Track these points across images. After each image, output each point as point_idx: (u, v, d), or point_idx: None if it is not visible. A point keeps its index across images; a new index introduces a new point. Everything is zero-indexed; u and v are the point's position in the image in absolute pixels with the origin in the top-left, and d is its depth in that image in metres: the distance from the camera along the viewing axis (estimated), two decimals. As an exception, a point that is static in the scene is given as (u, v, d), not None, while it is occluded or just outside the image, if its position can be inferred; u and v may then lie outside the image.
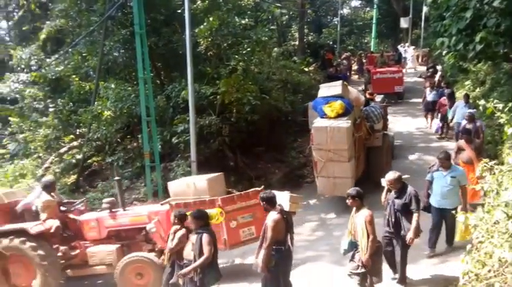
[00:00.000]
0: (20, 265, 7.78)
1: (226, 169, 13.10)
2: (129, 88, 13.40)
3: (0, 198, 8.37)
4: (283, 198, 6.37)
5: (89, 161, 14.85)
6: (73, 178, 14.04)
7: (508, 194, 4.34)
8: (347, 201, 6.18)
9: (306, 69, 23.00)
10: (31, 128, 15.38)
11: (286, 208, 6.19)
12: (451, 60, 12.64)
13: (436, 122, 14.76)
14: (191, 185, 8.44)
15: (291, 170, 13.93)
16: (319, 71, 25.52)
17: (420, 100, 16.88)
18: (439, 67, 20.34)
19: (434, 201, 7.61)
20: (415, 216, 6.44)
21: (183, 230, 6.34)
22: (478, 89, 15.53)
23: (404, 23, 29.22)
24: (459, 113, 12.19)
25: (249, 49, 14.14)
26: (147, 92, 11.64)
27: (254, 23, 16.26)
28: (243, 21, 14.29)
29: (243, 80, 13.16)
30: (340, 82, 11.19)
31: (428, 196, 7.69)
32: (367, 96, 13.67)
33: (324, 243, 9.13)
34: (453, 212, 6.63)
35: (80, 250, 8.17)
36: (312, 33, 29.94)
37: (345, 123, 9.82)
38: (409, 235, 6.38)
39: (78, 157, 14.60)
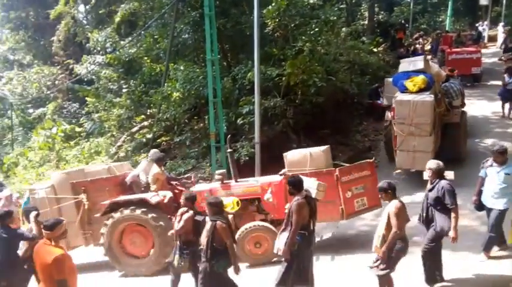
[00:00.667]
0: (137, 235, 8.37)
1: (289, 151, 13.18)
2: (197, 70, 13.73)
3: (112, 170, 9.23)
4: (311, 184, 6.28)
5: (158, 140, 15.47)
6: (143, 156, 14.72)
7: None
8: (379, 196, 5.85)
9: (375, 49, 22.20)
10: (106, 108, 16.28)
11: (313, 194, 6.11)
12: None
13: None
14: (307, 156, 8.43)
15: (356, 154, 13.61)
16: (389, 52, 24.57)
17: (499, 83, 15.74)
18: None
19: (486, 200, 6.91)
20: (453, 213, 5.86)
21: (190, 213, 6.30)
22: None
23: (483, -1, 27.23)
24: None
25: (316, 29, 13.90)
26: (214, 74, 11.89)
27: (322, 2, 15.93)
28: (311, 1, 14.05)
29: (309, 62, 13.02)
30: (421, 57, 11.85)
31: (480, 193, 7.00)
32: (447, 72, 13.66)
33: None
34: None
35: None
36: (382, 12, 28.71)
37: (428, 97, 9.99)
38: (451, 234, 5.88)
39: (149, 136, 15.27)
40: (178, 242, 6.39)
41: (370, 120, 16.00)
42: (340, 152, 13.68)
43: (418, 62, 11.13)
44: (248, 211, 8.32)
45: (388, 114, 11.54)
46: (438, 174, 6.08)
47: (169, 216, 8.03)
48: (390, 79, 11.98)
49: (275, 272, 5.95)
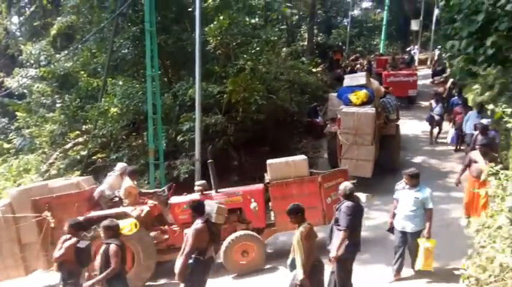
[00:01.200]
0: None
1: (230, 168, 13.16)
2: (137, 85, 13.45)
3: (80, 185, 8.53)
4: (211, 208, 6.20)
5: (94, 157, 14.90)
6: (77, 174, 14.09)
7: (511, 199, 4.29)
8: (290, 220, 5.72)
9: (314, 70, 22.94)
10: (37, 123, 15.51)
11: (213, 219, 6.07)
12: (460, 64, 12.51)
13: (452, 132, 13.35)
14: (291, 164, 8.64)
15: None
16: (327, 72, 25.45)
17: (427, 103, 16.68)
18: (448, 71, 20.15)
19: (397, 222, 7.02)
20: (340, 234, 5.95)
21: (73, 240, 6.01)
22: (486, 93, 15.33)
23: (414, 25, 28.99)
24: (471, 124, 11.52)
25: (257, 49, 14.13)
26: (154, 90, 11.69)
27: (264, 23, 16.27)
28: (253, 21, 14.32)
29: (250, 80, 13.16)
30: (364, 73, 13.15)
31: (395, 215, 7.10)
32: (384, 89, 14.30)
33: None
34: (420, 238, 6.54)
35: (171, 234, 8.38)
36: (321, 34, 29.87)
37: (370, 110, 10.98)
38: (331, 254, 5.97)
39: (83, 153, 14.68)
40: (61, 273, 6.08)
41: (309, 138, 16.39)
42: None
43: (360, 78, 12.11)
44: (230, 221, 8.25)
45: (331, 127, 12.28)
46: (345, 196, 6.17)
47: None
48: (334, 94, 13.01)
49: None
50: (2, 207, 8.10)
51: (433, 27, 28.74)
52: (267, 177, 8.69)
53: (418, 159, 13.46)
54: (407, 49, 28.12)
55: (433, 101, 14.41)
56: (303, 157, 9.19)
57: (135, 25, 13.82)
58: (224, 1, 13.92)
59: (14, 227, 8.02)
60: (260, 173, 13.15)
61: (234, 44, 13.81)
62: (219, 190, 8.55)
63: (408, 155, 13.76)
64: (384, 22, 29.91)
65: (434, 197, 9.11)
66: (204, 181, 8.81)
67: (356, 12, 38.98)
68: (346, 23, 31.74)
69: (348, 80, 12.22)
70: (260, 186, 8.69)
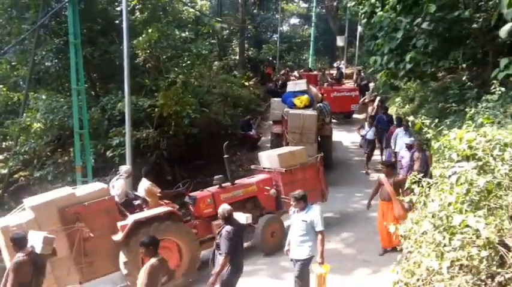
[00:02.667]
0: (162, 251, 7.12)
1: (163, 183, 12.81)
2: (62, 99, 12.84)
3: (104, 191, 7.89)
4: (37, 239, 5.71)
5: (15, 175, 13.97)
6: (-5, 194, 13.15)
7: (434, 205, 4.52)
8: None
9: (246, 83, 23.21)
10: (-49, 140, 14.29)
11: (38, 249, 5.59)
12: (383, 78, 13.22)
13: (388, 151, 12.40)
14: (295, 153, 9.97)
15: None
16: (259, 86, 25.84)
17: (357, 116, 17.39)
18: (371, 84, 21.13)
19: (291, 249, 6.45)
20: (221, 259, 5.90)
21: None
22: (407, 106, 16.35)
23: (340, 41, 30.32)
24: (399, 142, 11.27)
25: (188, 62, 14.06)
26: (80, 104, 11.19)
27: (194, 36, 16.21)
28: (183, 34, 14.20)
29: (182, 93, 13.03)
30: (304, 80, 14.87)
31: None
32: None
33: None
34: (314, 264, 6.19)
35: (198, 228, 8.66)
36: (252, 49, 30.29)
37: (313, 112, 12.70)
38: (209, 281, 5.94)
39: (3, 171, 13.72)
40: None
41: (243, 151, 16.47)
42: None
43: (302, 84, 14.03)
44: (246, 209, 8.85)
45: (274, 129, 14.12)
46: (224, 219, 6.09)
47: None
48: (275, 99, 14.92)
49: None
50: (26, 223, 6.98)
51: (357, 43, 30.22)
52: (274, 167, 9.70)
53: (345, 169, 13.96)
54: (335, 64, 29.22)
55: (366, 124, 13.54)
56: (300, 147, 10.63)
57: (58, 37, 13.24)
58: (153, 14, 13.74)
59: None
60: (194, 187, 13.08)
61: (164, 57, 13.62)
62: (235, 182, 9.33)
63: (337, 167, 14.21)
64: (312, 38, 31.09)
65: (363, 205, 9.57)
66: (221, 175, 9.23)
67: (285, 28, 40.09)
68: (276, 38, 32.44)
69: (291, 86, 14.16)
70: (268, 176, 9.65)
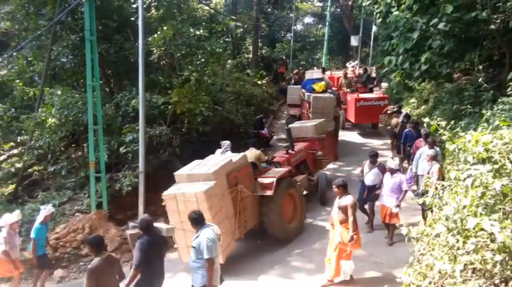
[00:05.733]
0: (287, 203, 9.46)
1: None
2: (77, 95, 12.92)
3: (246, 158, 9.40)
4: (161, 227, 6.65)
5: (30, 170, 14.15)
6: (11, 187, 13.31)
7: (449, 208, 4.47)
8: None
9: (259, 82, 23.20)
10: (-31, 133, 14.53)
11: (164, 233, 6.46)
12: (397, 78, 13.12)
13: (410, 174, 10.23)
14: (322, 123, 13.05)
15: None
16: (272, 85, 25.82)
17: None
18: (384, 84, 20.66)
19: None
20: (131, 272, 5.79)
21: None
22: (422, 107, 16.18)
23: (354, 41, 30.12)
24: (422, 165, 9.54)
25: (202, 60, 14.07)
26: (95, 100, 11.28)
27: (209, 34, 16.26)
28: (198, 32, 14.22)
29: (195, 91, 13.07)
30: (320, 70, 18.77)
31: None
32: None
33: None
34: None
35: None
36: (265, 47, 30.25)
37: (331, 95, 15.47)
38: None
39: (18, 165, 13.91)
40: None
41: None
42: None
43: (318, 73, 17.34)
44: (301, 170, 11.21)
45: (291, 111, 17.54)
46: (143, 229, 5.98)
47: None
48: (292, 86, 19.16)
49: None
50: (211, 187, 7.86)
51: (371, 43, 30.01)
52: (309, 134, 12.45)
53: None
54: (348, 64, 28.91)
55: (366, 164, 9.67)
56: (323, 119, 13.59)
57: (74, 33, 13.34)
58: (168, 12, 13.78)
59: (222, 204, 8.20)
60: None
61: (178, 55, 13.65)
62: (293, 149, 11.32)
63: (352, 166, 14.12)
64: (326, 37, 30.93)
65: (376, 207, 9.52)
66: (287, 144, 11.50)
67: (299, 27, 39.96)
68: (289, 37, 32.35)
69: (309, 75, 17.22)
70: (308, 143, 12.13)
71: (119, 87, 14.41)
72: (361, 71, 21.99)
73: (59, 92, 13.01)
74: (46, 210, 8.57)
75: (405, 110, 15.00)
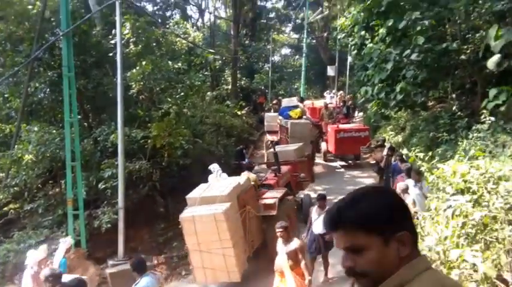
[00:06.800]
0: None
1: (156, 216, 12.72)
2: (54, 131, 12.74)
3: (250, 181, 9.90)
4: None
5: (5, 208, 13.71)
6: (-15, 227, 12.87)
7: (430, 239, 4.51)
8: None
9: (239, 113, 23.34)
10: None
11: None
12: (374, 108, 13.38)
13: None
14: (301, 147, 13.95)
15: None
16: (252, 115, 25.99)
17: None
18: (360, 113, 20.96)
19: None
20: None
21: None
22: (399, 136, 16.46)
23: (331, 71, 30.72)
24: (411, 197, 8.19)
25: (182, 94, 14.11)
26: (73, 136, 11.14)
27: (187, 67, 16.37)
28: (176, 66, 14.32)
29: (175, 124, 13.03)
30: (295, 98, 20.76)
31: None
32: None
33: None
34: None
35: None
36: (244, 78, 30.60)
37: (307, 121, 16.81)
38: None
39: (-7, 204, 13.46)
40: None
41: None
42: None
43: (293, 101, 19.09)
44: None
45: (269, 137, 17.87)
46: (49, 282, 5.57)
47: None
48: (269, 113, 20.55)
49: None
50: (227, 209, 8.13)
51: (347, 73, 30.67)
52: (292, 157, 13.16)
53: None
54: (326, 94, 29.36)
55: (313, 209, 8.94)
56: (301, 143, 14.36)
57: (52, 69, 13.25)
58: (147, 47, 13.84)
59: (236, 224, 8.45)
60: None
61: (157, 89, 13.68)
62: (280, 172, 11.80)
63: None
64: (303, 68, 31.53)
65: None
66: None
67: (276, 58, 40.70)
68: (267, 68, 32.88)
69: (286, 102, 18.97)
70: (287, 167, 12.36)
71: (98, 122, 14.27)
72: (344, 99, 22.68)
73: (36, 129, 12.79)
74: (67, 243, 8.24)
75: (389, 143, 14.11)
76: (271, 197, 9.80)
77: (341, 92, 26.87)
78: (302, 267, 6.56)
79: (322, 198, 8.61)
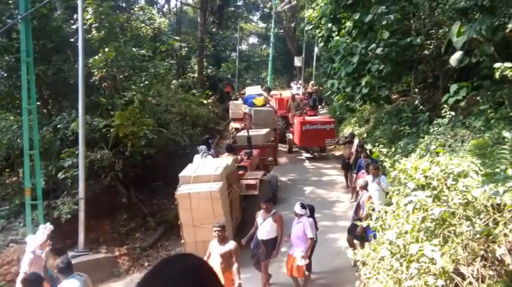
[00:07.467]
0: None
1: (118, 206, 12.49)
2: (11, 118, 12.22)
3: (235, 161, 11.05)
4: None
5: (-41, 198, 13.13)
6: None
7: (391, 233, 4.59)
8: None
9: (205, 102, 23.11)
10: None
11: None
12: (340, 100, 13.51)
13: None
14: (269, 132, 15.35)
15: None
16: (218, 104, 25.81)
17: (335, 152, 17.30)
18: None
19: None
20: None
21: None
22: (363, 127, 16.74)
23: (297, 61, 30.91)
24: (369, 193, 8.53)
25: (146, 81, 13.77)
26: (31, 123, 10.71)
27: (152, 54, 16.00)
28: (141, 53, 13.96)
29: (139, 113, 12.73)
30: (259, 86, 21.38)
31: None
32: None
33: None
34: None
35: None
36: (211, 67, 30.30)
37: (270, 108, 17.68)
38: None
39: None
40: None
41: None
42: (173, 203, 13.46)
43: (257, 89, 19.69)
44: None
45: (234, 124, 18.52)
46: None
47: None
48: (234, 101, 20.73)
49: None
50: (220, 188, 8.82)
51: (314, 63, 30.89)
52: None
53: (306, 189, 14.07)
54: (292, 84, 29.49)
55: (259, 214, 8.23)
56: (268, 129, 15.51)
57: (9, 54, 12.66)
58: (110, 33, 13.39)
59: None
60: (151, 210, 12.75)
61: (121, 76, 13.30)
62: (250, 157, 12.52)
63: (297, 186, 14.32)
64: (270, 58, 31.51)
65: (322, 227, 9.64)
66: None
67: (244, 47, 40.51)
68: (234, 57, 32.66)
69: (249, 90, 19.63)
70: (257, 151, 13.24)
71: (58, 109, 13.74)
72: (311, 91, 23.28)
73: (-8, 115, 12.27)
74: (47, 229, 7.77)
75: (357, 139, 13.81)
76: (252, 178, 10.74)
77: (312, 82, 27.07)
78: (234, 271, 6.34)
79: (268, 201, 8.05)
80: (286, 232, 7.99)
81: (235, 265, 6.32)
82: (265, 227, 7.82)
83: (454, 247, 3.96)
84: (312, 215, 7.74)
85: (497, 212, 4.04)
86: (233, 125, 18.76)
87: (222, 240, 6.54)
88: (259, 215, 8.04)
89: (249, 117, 17.08)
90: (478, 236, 4.00)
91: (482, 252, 4.00)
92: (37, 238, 7.53)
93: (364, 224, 5.19)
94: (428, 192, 4.24)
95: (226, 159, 10.62)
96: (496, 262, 3.96)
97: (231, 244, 6.53)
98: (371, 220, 5.35)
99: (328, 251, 9.30)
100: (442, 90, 11.30)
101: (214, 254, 6.52)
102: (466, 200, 4.14)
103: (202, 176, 9.20)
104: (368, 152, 9.86)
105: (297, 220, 7.59)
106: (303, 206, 7.63)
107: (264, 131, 15.10)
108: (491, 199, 4.07)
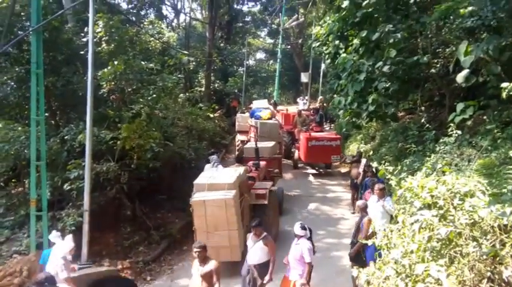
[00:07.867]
0: None
1: (122, 219, 12.47)
2: (19, 129, 12.32)
3: (246, 171, 11.48)
4: None
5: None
6: None
7: (397, 252, 4.55)
8: None
9: (212, 116, 23.20)
10: None
11: None
12: (346, 117, 13.53)
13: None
14: (274, 145, 15.82)
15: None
16: (225, 118, 25.90)
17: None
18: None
19: None
20: None
21: None
22: (369, 144, 16.71)
23: (304, 77, 31.05)
24: (371, 214, 8.21)
25: (154, 95, 13.88)
26: (39, 134, 10.78)
27: (161, 68, 16.15)
28: (149, 66, 14.09)
29: (146, 126, 12.79)
30: (266, 100, 22.29)
31: None
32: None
33: None
34: None
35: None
36: (218, 81, 30.48)
37: (276, 121, 18.08)
38: None
39: (-48, 203, 12.89)
40: None
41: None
42: (177, 217, 13.48)
43: (264, 103, 20.55)
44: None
45: (240, 137, 18.86)
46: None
47: None
48: (240, 115, 20.76)
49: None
50: (234, 196, 9.17)
51: (320, 79, 31.00)
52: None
53: (310, 206, 14.01)
54: (299, 99, 29.55)
55: (249, 237, 8.13)
56: (274, 142, 15.88)
57: (19, 65, 12.82)
58: (119, 46, 13.56)
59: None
60: (155, 223, 12.72)
61: (129, 89, 13.41)
62: (258, 168, 12.84)
63: (301, 202, 14.26)
64: (277, 73, 31.67)
65: (327, 244, 9.57)
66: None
67: (251, 62, 40.75)
68: (242, 72, 32.84)
69: (256, 104, 20.23)
70: (264, 163, 13.46)
71: (66, 120, 13.85)
72: (317, 107, 23.51)
73: (0, 125, 12.38)
74: (70, 244, 8.10)
75: (365, 159, 13.48)
76: (262, 188, 11.17)
77: (320, 97, 27.13)
78: None
79: (257, 225, 7.79)
80: (286, 251, 7.84)
81: (216, 285, 6.22)
82: (255, 252, 7.68)
83: (460, 267, 3.92)
84: (310, 238, 7.52)
85: (504, 233, 4.01)
86: (239, 137, 19.09)
87: (203, 260, 6.42)
88: (249, 239, 7.87)
89: (254, 130, 17.34)
90: (484, 257, 3.96)
91: (489, 273, 3.95)
92: (68, 244, 7.96)
93: (369, 242, 5.15)
94: (434, 211, 4.21)
95: (238, 169, 11.01)
96: (503, 284, 3.92)
97: (212, 264, 6.40)
98: (376, 238, 5.30)
99: (333, 269, 9.22)
100: (448, 108, 11.30)
101: (195, 275, 6.45)
102: (472, 220, 4.11)
103: (217, 184, 9.59)
104: (374, 170, 9.84)
105: (296, 240, 7.41)
106: (303, 227, 7.40)
107: (271, 143, 15.49)
108: (498, 219, 4.04)
